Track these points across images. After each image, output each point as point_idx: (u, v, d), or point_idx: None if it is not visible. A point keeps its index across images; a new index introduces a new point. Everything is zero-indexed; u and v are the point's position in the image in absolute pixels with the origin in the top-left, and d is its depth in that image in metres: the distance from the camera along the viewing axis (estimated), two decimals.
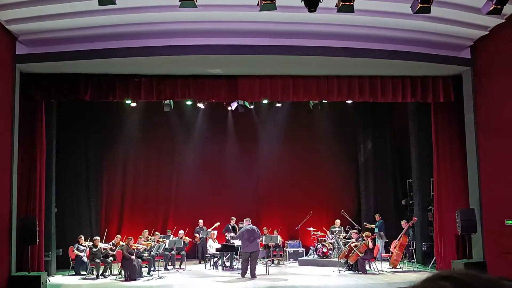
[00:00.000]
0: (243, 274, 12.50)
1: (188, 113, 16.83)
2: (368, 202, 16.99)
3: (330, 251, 14.82)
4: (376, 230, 14.96)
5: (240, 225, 14.55)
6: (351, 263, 13.26)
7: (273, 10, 9.02)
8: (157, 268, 13.27)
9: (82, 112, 15.27)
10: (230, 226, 15.49)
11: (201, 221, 15.88)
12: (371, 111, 16.92)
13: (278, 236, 14.92)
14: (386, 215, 15.99)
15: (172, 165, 16.95)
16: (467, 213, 11.93)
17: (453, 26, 11.04)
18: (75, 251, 13.31)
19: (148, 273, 12.99)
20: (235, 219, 15.66)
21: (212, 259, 14.55)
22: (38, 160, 11.92)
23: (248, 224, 12.78)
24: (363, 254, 13.02)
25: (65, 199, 14.93)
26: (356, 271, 13.09)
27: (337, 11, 9.24)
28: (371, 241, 13.22)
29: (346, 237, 14.77)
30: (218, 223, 15.60)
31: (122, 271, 12.62)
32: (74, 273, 13.25)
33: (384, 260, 13.99)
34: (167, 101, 14.73)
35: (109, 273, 13.08)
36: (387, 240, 14.01)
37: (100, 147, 16.27)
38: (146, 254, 13.13)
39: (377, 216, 15.75)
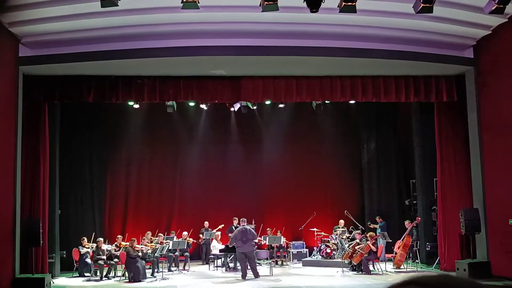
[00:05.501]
0: (243, 276, 12.44)
1: (191, 114, 16.82)
2: (371, 202, 16.95)
3: (333, 252, 14.80)
4: (379, 230, 14.93)
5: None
6: (355, 264, 13.25)
7: (275, 11, 9.03)
8: (160, 269, 13.28)
9: (85, 113, 15.28)
10: (233, 227, 15.46)
11: (206, 223, 15.86)
12: (374, 111, 16.88)
13: (282, 237, 14.90)
14: (389, 215, 15.97)
15: (175, 166, 16.94)
16: (471, 213, 11.91)
17: (456, 25, 11.03)
18: (80, 249, 13.29)
19: (152, 274, 12.99)
20: (237, 219, 15.62)
21: (215, 260, 14.55)
22: (42, 162, 11.95)
23: (243, 225, 12.78)
24: (367, 255, 13.01)
25: (69, 201, 14.95)
26: (360, 272, 13.07)
27: (339, 12, 9.24)
28: (373, 242, 13.18)
29: (350, 237, 14.74)
30: (222, 225, 15.58)
31: (126, 272, 12.63)
32: (78, 274, 13.26)
33: (388, 260, 13.98)
34: (170, 103, 14.71)
35: (113, 274, 13.10)
36: (390, 241, 13.98)
37: (103, 148, 16.27)
38: (150, 255, 13.13)
39: (377, 218, 15.71)
